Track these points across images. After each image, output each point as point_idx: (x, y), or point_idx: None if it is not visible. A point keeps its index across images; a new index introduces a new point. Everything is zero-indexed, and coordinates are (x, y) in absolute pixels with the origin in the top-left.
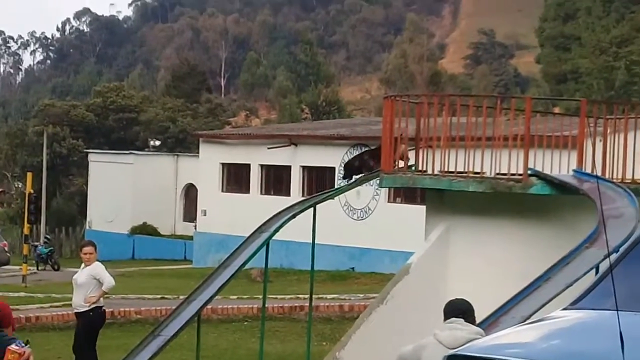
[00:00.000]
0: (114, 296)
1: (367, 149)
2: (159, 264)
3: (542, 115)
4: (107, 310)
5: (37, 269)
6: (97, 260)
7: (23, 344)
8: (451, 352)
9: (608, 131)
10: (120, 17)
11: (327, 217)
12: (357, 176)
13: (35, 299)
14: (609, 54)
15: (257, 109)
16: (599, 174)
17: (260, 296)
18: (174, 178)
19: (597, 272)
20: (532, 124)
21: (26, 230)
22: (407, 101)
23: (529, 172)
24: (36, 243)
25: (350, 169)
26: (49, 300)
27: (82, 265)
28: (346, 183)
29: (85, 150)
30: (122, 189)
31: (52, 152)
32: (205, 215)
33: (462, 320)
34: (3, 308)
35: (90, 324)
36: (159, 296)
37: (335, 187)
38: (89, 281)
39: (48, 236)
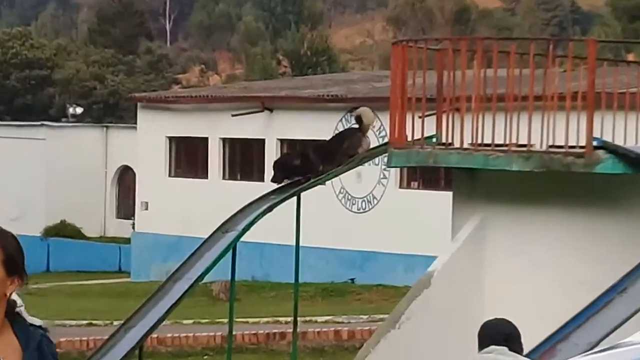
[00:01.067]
0: None
1: (313, 140)
2: (84, 278)
3: (611, 65)
4: None
5: None
6: None
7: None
8: None
9: None
10: None
11: (317, 210)
12: (294, 180)
13: None
14: None
15: (216, 61)
16: None
17: (225, 320)
18: (102, 158)
19: None
20: (597, 77)
21: None
22: (424, 47)
23: (595, 143)
24: None
25: (285, 168)
26: None
27: None
28: (277, 185)
29: None
30: (31, 174)
31: None
32: (147, 209)
33: (504, 349)
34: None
35: None
36: (84, 322)
37: None
38: None
39: None
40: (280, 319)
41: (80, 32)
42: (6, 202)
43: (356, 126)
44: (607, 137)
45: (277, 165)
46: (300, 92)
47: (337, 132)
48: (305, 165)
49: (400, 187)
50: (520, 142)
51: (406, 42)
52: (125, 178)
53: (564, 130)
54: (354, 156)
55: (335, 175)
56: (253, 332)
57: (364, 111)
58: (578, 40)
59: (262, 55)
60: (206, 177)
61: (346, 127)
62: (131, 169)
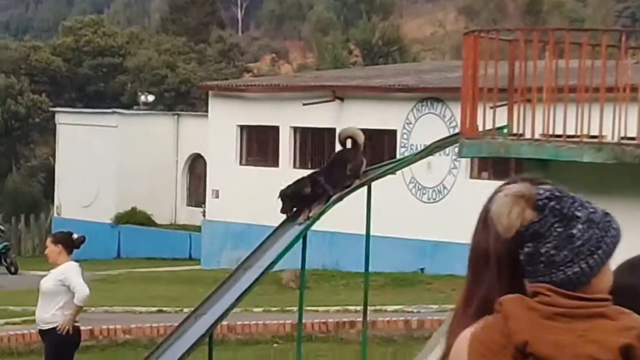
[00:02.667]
0: (93, 309)
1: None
2: (155, 265)
3: None
4: (84, 328)
5: None
6: (72, 260)
7: None
8: None
9: None
10: None
11: (387, 200)
12: (301, 208)
13: None
14: None
15: (287, 50)
16: None
17: (295, 308)
18: (173, 146)
19: None
20: None
21: None
22: (495, 38)
23: None
24: None
25: (295, 198)
26: (5, 315)
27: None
28: (286, 216)
29: (51, 109)
30: (103, 161)
31: (5, 111)
32: (217, 197)
33: None
34: None
35: (58, 347)
36: (154, 309)
37: (397, 157)
38: (56, 289)
39: (2, 227)
40: (350, 307)
41: (152, 20)
42: (78, 189)
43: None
44: None
45: (285, 196)
46: (371, 82)
47: (407, 122)
48: (316, 193)
49: (471, 177)
50: (592, 134)
51: (478, 32)
52: (196, 166)
53: (636, 122)
54: (358, 177)
55: (408, 164)
56: (323, 320)
57: (355, 131)
58: None
59: (333, 45)
60: (277, 165)
61: (339, 150)
62: (202, 157)
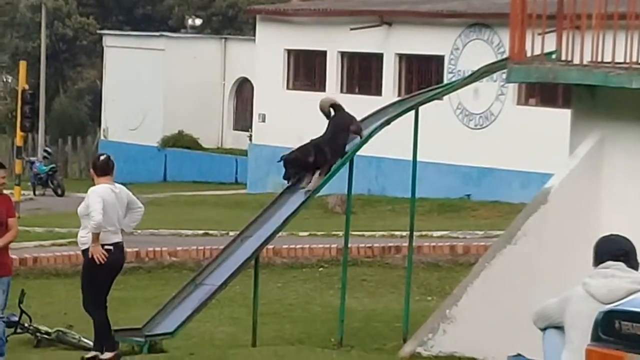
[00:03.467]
0: (139, 232)
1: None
2: (201, 188)
3: None
4: (131, 250)
5: (34, 194)
6: (117, 182)
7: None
8: (607, 307)
9: None
10: None
11: (434, 125)
12: (302, 175)
13: (32, 234)
14: None
15: None
16: None
17: (341, 233)
18: (220, 70)
19: None
20: None
21: (19, 141)
22: None
23: None
24: (33, 158)
25: (299, 165)
26: (51, 237)
27: None
28: (286, 184)
29: (98, 32)
30: (150, 84)
31: (53, 34)
32: (264, 121)
33: (621, 264)
34: None
35: (88, 269)
36: (200, 232)
37: (444, 82)
38: (84, 212)
39: (48, 149)
40: (396, 233)
41: None
42: (125, 112)
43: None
44: None
45: (289, 163)
46: (419, 7)
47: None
48: (319, 161)
49: (518, 103)
50: None
51: None
52: (243, 90)
53: None
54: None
55: (455, 90)
56: (368, 245)
57: (333, 99)
58: None
59: None
60: (324, 90)
61: (332, 117)
62: (249, 81)
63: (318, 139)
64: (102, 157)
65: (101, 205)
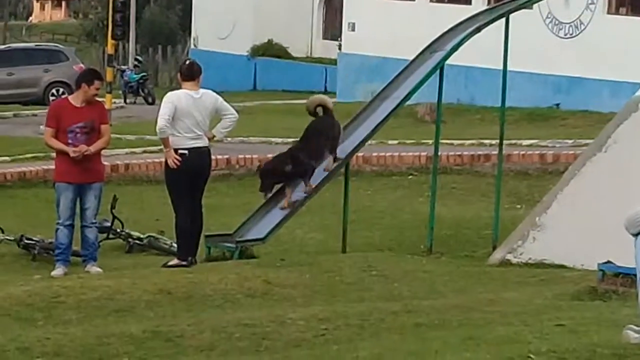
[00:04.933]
0: (229, 139)
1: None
2: (290, 97)
3: None
4: (221, 157)
5: (125, 102)
6: (207, 88)
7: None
8: None
9: None
10: None
11: (523, 34)
12: (286, 184)
13: (123, 141)
14: None
15: None
16: None
17: (431, 141)
18: None
19: None
20: None
21: (110, 50)
22: None
23: None
24: (123, 67)
25: (275, 175)
26: (142, 144)
27: None
28: (264, 197)
29: None
30: None
31: None
32: (353, 30)
33: None
34: None
35: (168, 173)
36: (290, 140)
37: None
38: None
39: (139, 57)
40: (485, 141)
41: None
42: (215, 21)
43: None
44: None
45: (265, 174)
46: None
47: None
48: (298, 170)
49: (609, 12)
50: None
51: None
52: None
53: None
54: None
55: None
56: (458, 153)
57: (323, 99)
58: None
59: None
60: None
61: (312, 121)
62: None
63: (293, 146)
64: (187, 62)
65: (168, 111)
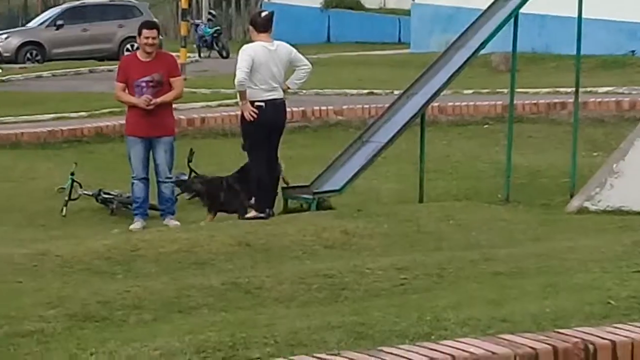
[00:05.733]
0: (304, 91)
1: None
2: (364, 49)
3: None
4: (297, 109)
5: (200, 56)
6: (279, 41)
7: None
8: None
9: None
10: None
11: None
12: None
13: (198, 95)
14: None
15: None
16: None
17: (506, 90)
18: None
19: None
20: None
21: (184, 4)
22: None
23: None
24: (198, 21)
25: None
26: (217, 97)
27: None
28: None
29: None
30: None
31: None
32: None
33: None
34: None
35: (251, 124)
36: (365, 91)
37: None
38: None
39: (213, 11)
40: (560, 89)
41: None
42: None
43: None
44: None
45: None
46: None
47: None
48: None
49: None
50: None
51: None
52: None
53: None
54: None
55: None
56: (533, 102)
57: None
58: None
59: None
60: None
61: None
62: None
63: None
64: (263, 13)
65: (247, 64)
